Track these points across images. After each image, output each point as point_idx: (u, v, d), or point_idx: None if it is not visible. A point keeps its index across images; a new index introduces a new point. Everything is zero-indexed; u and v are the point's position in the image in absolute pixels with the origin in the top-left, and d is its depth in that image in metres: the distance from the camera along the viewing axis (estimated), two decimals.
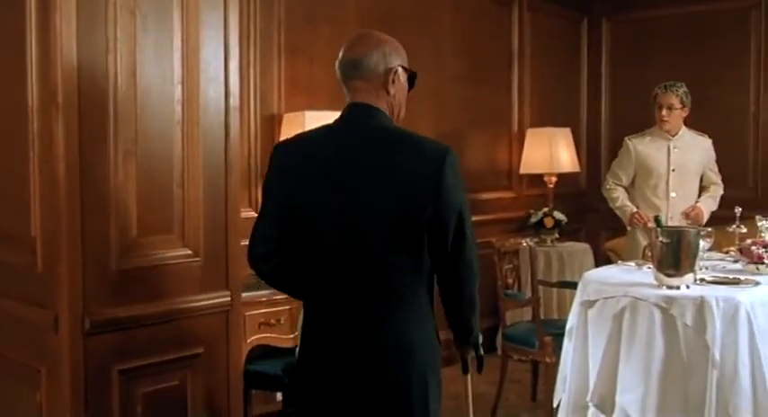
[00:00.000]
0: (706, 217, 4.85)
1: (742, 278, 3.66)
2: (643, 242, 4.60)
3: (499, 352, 4.56)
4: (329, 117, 4.30)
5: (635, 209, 4.82)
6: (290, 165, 2.22)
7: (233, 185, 2.90)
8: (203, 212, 2.77)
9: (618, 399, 3.41)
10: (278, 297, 3.77)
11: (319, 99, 4.69)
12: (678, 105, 4.76)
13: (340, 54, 2.27)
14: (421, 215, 2.11)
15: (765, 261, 3.83)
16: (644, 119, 6.66)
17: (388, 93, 2.24)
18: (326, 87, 4.80)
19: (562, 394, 3.73)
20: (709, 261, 4.05)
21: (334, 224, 2.14)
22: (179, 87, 2.68)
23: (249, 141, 4.43)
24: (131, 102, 2.53)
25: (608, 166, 6.89)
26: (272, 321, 3.70)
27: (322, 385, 2.21)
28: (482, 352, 2.42)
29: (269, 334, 3.73)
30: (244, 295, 3.38)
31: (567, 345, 3.71)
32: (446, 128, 5.20)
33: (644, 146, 4.87)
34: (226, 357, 2.86)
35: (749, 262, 3.86)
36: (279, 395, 4.25)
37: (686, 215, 4.79)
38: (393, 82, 2.23)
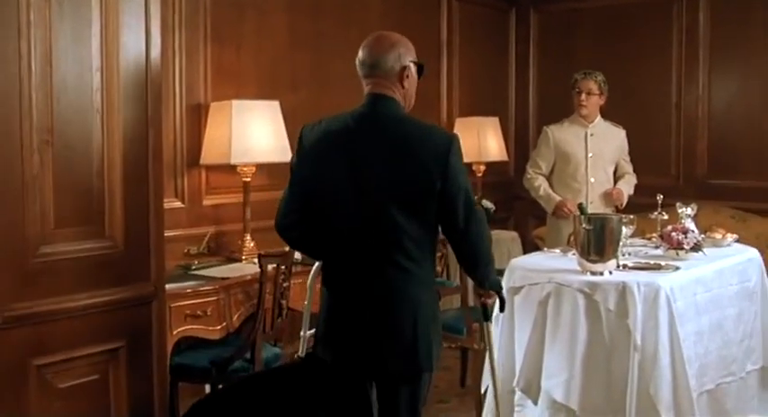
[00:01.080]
0: (625, 199, 4.98)
1: (663, 263, 3.75)
2: (563, 228, 4.68)
3: None
4: (257, 106, 4.36)
5: (560, 198, 4.90)
6: (315, 146, 2.58)
7: (156, 175, 2.85)
8: (125, 202, 2.72)
9: (543, 383, 3.47)
10: (204, 289, 3.73)
11: (247, 88, 4.65)
12: (596, 91, 4.89)
13: (360, 53, 2.60)
14: (431, 190, 2.47)
15: (685, 246, 3.92)
16: (571, 109, 6.79)
17: (402, 86, 2.59)
18: (254, 76, 4.76)
19: (489, 381, 3.77)
20: (632, 247, 4.14)
21: (355, 196, 2.50)
22: (98, 75, 2.63)
23: (175, 131, 4.35)
24: (47, 90, 2.47)
25: None
26: (199, 312, 3.65)
27: (342, 334, 2.58)
28: (501, 289, 2.80)
29: (196, 326, 3.68)
30: (169, 286, 3.34)
31: (494, 332, 3.75)
32: None
33: (562, 133, 4.98)
34: (150, 349, 2.82)
35: (670, 248, 3.95)
36: (207, 388, 4.19)
37: (608, 194, 4.90)
38: (407, 77, 2.59)
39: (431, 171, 2.47)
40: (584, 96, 4.89)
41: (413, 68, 2.61)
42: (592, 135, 4.94)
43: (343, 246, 2.57)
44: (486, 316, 2.90)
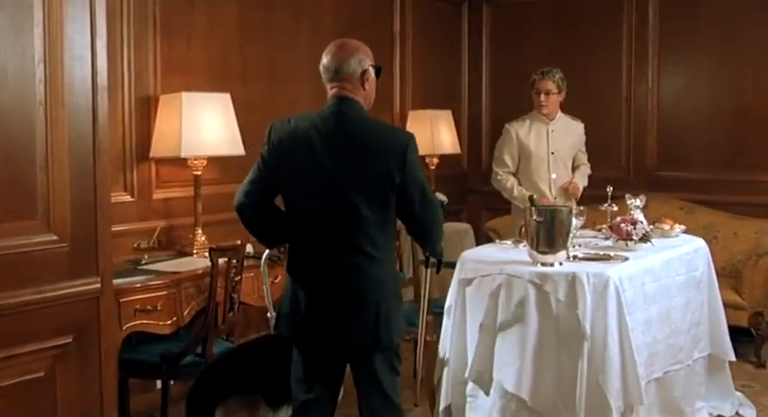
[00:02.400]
0: (580, 191, 5.05)
1: (612, 254, 3.80)
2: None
3: None
4: (208, 99, 4.31)
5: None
6: (284, 142, 2.83)
7: (102, 168, 2.79)
8: (70, 196, 2.66)
9: (494, 374, 3.50)
10: (154, 283, 3.69)
11: (196, 80, 4.60)
12: (555, 90, 4.92)
13: (323, 59, 2.88)
14: (391, 183, 2.76)
15: (634, 237, 3.98)
16: (523, 101, 6.83)
17: (363, 88, 2.88)
18: (204, 68, 4.71)
19: (442, 372, 3.79)
20: (582, 238, 4.19)
21: (322, 190, 2.77)
22: (41, 66, 2.56)
23: (123, 123, 4.29)
24: None
25: (489, 148, 7.06)
26: (149, 307, 3.61)
27: (310, 313, 2.84)
28: (442, 258, 3.28)
29: (146, 321, 3.63)
30: (119, 281, 3.31)
31: (446, 323, 3.77)
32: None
33: (524, 131, 4.99)
34: (98, 346, 2.77)
35: (619, 239, 4.01)
36: (158, 383, 4.16)
37: (565, 189, 4.95)
38: (367, 80, 2.88)
39: (391, 166, 2.75)
40: (543, 97, 4.93)
41: (372, 71, 2.90)
42: (553, 131, 4.99)
43: (311, 235, 2.83)
44: (426, 265, 3.43)
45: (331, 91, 2.87)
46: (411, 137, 2.85)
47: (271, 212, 2.92)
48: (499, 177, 5.02)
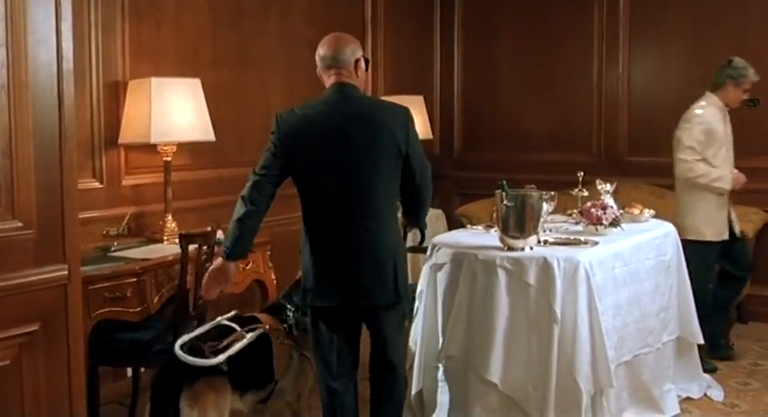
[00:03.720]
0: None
1: (582, 238, 3.83)
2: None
3: None
4: (177, 84, 4.26)
5: (731, 174, 4.88)
6: (296, 128, 3.10)
7: (69, 154, 2.74)
8: (35, 182, 2.60)
9: (466, 358, 3.51)
10: (123, 270, 3.65)
11: (166, 65, 4.55)
12: None
13: (320, 50, 3.19)
14: (399, 154, 3.10)
15: (604, 222, 4.01)
16: (495, 87, 6.85)
17: (357, 75, 3.21)
18: (174, 53, 4.65)
19: (414, 357, 3.79)
20: (553, 223, 4.21)
21: (339, 165, 3.05)
22: (3, 50, 2.50)
23: (92, 108, 4.23)
24: None
25: (462, 133, 7.08)
26: (118, 294, 3.58)
27: (336, 281, 3.13)
28: (425, 228, 3.51)
29: (115, 308, 3.59)
30: (87, 268, 3.27)
31: (418, 308, 3.77)
32: (297, 96, 5.09)
33: (712, 118, 4.90)
34: (65, 333, 2.74)
35: (589, 224, 4.04)
36: (129, 371, 4.13)
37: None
38: (359, 68, 3.21)
39: (398, 137, 3.08)
40: (745, 94, 4.92)
41: (362, 62, 3.21)
42: (727, 117, 4.96)
43: (331, 208, 3.10)
44: (405, 236, 3.52)
45: (330, 79, 3.17)
46: (408, 110, 3.20)
47: (270, 196, 3.12)
48: (691, 165, 4.85)
